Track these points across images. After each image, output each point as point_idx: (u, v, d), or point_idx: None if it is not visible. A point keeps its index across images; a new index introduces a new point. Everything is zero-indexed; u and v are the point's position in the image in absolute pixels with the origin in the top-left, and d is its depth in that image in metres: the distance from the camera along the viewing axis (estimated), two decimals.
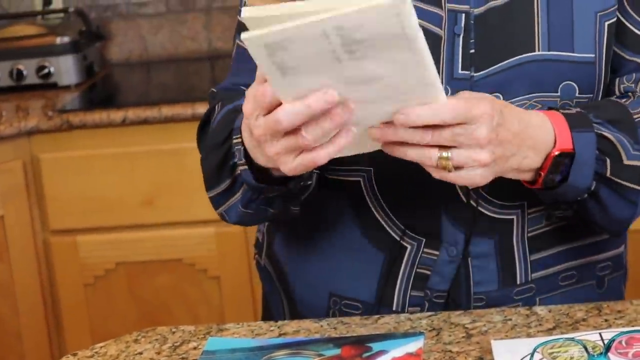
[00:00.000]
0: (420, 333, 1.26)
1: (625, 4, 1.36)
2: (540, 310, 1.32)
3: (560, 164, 1.24)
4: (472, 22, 1.31)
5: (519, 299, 1.37)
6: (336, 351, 1.23)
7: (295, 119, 1.09)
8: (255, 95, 1.12)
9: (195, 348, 1.29)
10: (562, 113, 1.27)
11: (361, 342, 1.25)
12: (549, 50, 1.31)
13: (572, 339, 1.16)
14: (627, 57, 1.38)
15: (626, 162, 1.28)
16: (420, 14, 1.25)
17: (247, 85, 1.19)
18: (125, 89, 3.27)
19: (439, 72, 1.26)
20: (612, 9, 1.35)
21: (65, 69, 3.08)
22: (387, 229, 1.37)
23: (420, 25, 1.04)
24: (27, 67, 3.06)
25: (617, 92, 1.38)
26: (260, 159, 1.21)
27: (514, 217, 1.35)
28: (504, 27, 1.31)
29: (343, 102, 1.09)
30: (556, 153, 1.23)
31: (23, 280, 2.80)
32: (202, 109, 2.65)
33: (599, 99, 1.35)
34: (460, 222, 1.34)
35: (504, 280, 1.37)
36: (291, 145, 1.11)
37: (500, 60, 1.31)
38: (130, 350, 1.30)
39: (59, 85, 3.07)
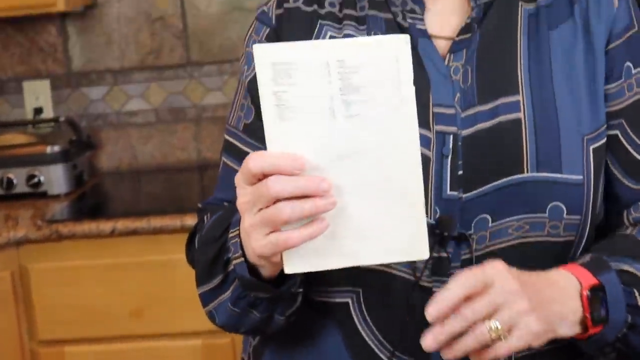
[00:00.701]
0: None
1: (626, 125, 1.39)
2: None
3: (597, 298, 1.26)
4: (460, 143, 1.34)
5: None
6: None
7: (283, 190, 1.13)
8: (247, 164, 1.16)
9: None
10: (577, 263, 1.29)
11: None
12: (537, 172, 1.33)
13: None
14: (632, 185, 1.40)
15: None
16: None
17: (233, 202, 1.23)
18: (115, 199, 3.28)
19: (427, 193, 1.28)
20: (601, 129, 1.37)
21: (55, 178, 3.10)
22: (376, 349, 1.37)
23: None
24: (17, 176, 3.08)
25: (626, 223, 1.41)
26: (249, 252, 1.23)
27: None
28: (492, 148, 1.34)
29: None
30: (587, 291, 1.25)
31: None
32: (191, 220, 2.66)
33: (589, 220, 1.37)
34: None
35: None
36: (268, 217, 1.14)
37: (488, 181, 1.33)
38: None
39: (49, 194, 3.09)
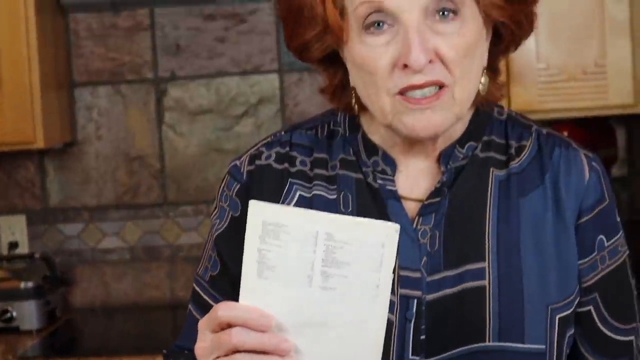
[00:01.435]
0: None
1: (599, 299, 1.40)
2: None
3: None
4: (424, 308, 1.35)
5: None
6: None
7: (244, 342, 1.15)
8: (212, 315, 1.18)
9: None
10: None
11: None
12: (499, 341, 1.33)
13: None
14: None
15: None
16: None
17: (192, 350, 1.25)
18: (87, 337, 3.27)
19: (388, 357, 1.30)
20: (569, 298, 1.38)
21: (28, 314, 3.09)
22: None
23: None
24: None
25: None
26: None
27: None
28: (456, 314, 1.34)
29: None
30: None
31: None
32: None
33: None
34: None
35: None
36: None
37: (450, 348, 1.33)
38: None
39: (21, 329, 3.08)
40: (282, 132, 1.47)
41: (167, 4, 3.32)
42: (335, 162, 1.42)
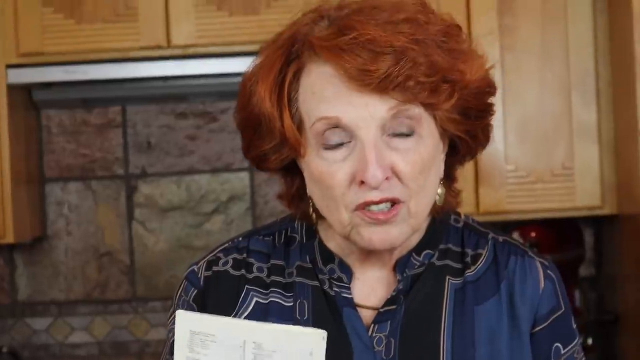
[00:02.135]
0: None
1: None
2: None
3: None
4: None
5: None
6: None
7: None
8: None
9: None
10: None
11: None
12: None
13: None
14: None
15: None
16: None
17: None
18: None
19: None
20: None
21: None
22: None
23: None
24: None
25: None
26: None
27: None
28: None
29: None
30: None
31: None
32: None
33: None
34: None
35: None
36: None
37: None
38: None
39: None
40: (240, 238, 1.48)
41: (139, 102, 3.35)
42: (292, 269, 1.43)
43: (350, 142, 1.31)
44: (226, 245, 1.47)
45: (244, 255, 1.45)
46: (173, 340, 1.45)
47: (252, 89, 1.35)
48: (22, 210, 3.16)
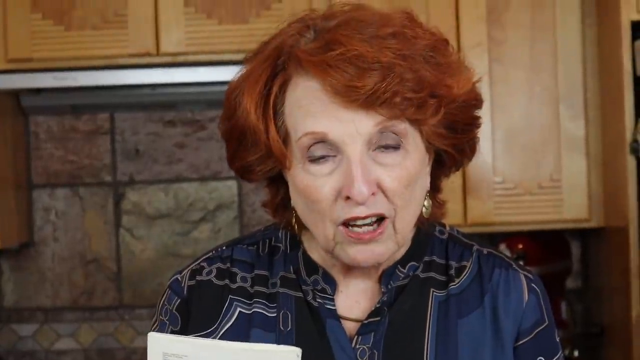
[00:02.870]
0: None
1: None
2: None
3: None
4: None
5: None
6: None
7: None
8: None
9: None
10: None
11: None
12: None
13: None
14: None
15: None
16: None
17: None
18: None
19: None
20: None
21: None
22: None
23: None
24: None
25: None
26: None
27: None
28: None
29: None
30: None
31: None
32: None
33: None
34: None
35: None
36: None
37: None
38: None
39: None
40: (224, 247, 1.47)
41: (128, 109, 3.35)
42: (275, 279, 1.43)
43: (336, 156, 1.30)
44: (210, 254, 1.47)
45: (228, 264, 1.44)
46: None
47: (238, 100, 1.34)
48: (9, 215, 3.15)
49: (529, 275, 1.44)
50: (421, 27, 1.34)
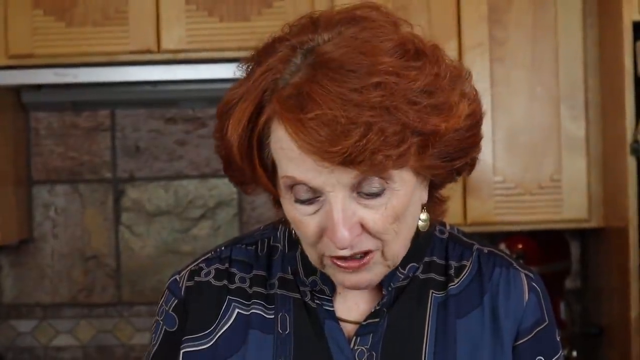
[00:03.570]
0: None
1: None
2: None
3: None
4: None
5: None
6: None
7: None
8: None
9: None
10: None
11: None
12: None
13: None
14: None
15: None
16: None
17: None
18: None
19: None
20: None
21: None
22: None
23: None
24: None
25: None
26: None
27: None
28: None
29: None
30: None
31: None
32: None
33: None
34: None
35: None
36: None
37: None
38: None
39: None
40: (223, 247, 1.46)
41: (128, 106, 3.35)
42: (274, 280, 1.42)
43: (320, 197, 1.26)
44: (209, 255, 1.46)
45: (227, 265, 1.43)
46: (155, 349, 1.45)
47: (225, 128, 1.30)
48: (8, 212, 3.15)
49: (530, 274, 1.43)
50: (425, 60, 1.26)
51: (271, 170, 1.30)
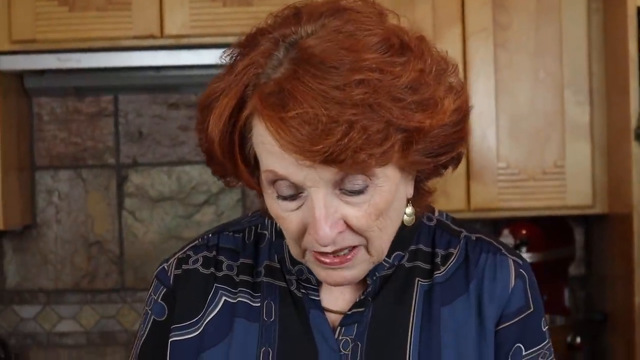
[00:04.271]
0: None
1: None
2: None
3: None
4: None
5: None
6: None
7: None
8: None
9: None
10: None
11: None
12: None
13: None
14: None
15: None
16: None
17: None
18: None
19: None
20: None
21: None
22: None
23: None
24: None
25: None
26: None
27: None
28: None
29: None
30: None
31: None
32: None
33: None
34: None
35: None
36: None
37: None
38: None
39: None
40: (210, 234, 1.45)
41: (132, 91, 3.34)
42: (260, 268, 1.40)
43: (302, 193, 1.24)
44: (196, 242, 1.45)
45: (214, 252, 1.42)
46: (144, 339, 1.44)
47: (207, 119, 1.28)
48: (12, 197, 3.15)
49: (519, 260, 1.40)
50: (410, 55, 1.23)
51: (253, 164, 1.28)
